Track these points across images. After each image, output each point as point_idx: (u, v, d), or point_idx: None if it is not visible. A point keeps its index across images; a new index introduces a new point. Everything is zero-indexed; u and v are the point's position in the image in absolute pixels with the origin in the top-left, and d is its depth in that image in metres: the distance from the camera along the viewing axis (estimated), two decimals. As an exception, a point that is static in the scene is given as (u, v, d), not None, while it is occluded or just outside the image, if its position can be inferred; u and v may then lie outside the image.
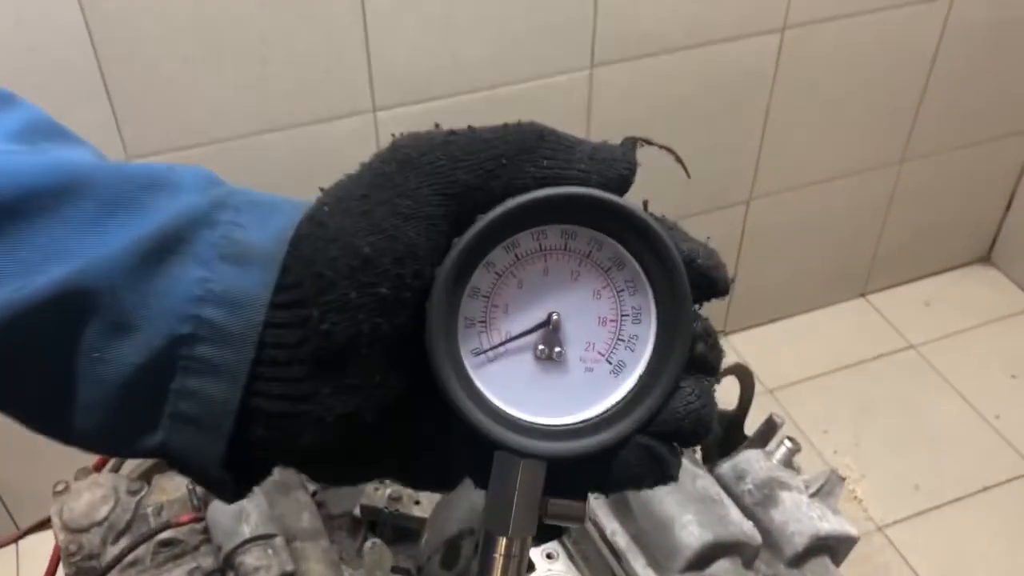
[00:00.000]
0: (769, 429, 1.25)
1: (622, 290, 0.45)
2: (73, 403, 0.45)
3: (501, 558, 0.46)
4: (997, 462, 2.36)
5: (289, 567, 1.14)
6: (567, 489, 0.46)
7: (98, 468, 1.40)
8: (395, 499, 1.26)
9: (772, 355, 2.58)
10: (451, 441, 0.47)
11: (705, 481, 1.09)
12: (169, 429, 0.45)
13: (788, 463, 1.20)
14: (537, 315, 0.45)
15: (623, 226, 0.44)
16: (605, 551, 1.06)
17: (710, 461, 1.24)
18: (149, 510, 1.32)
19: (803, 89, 2.23)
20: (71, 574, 1.31)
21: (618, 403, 0.45)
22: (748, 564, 1.06)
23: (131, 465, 1.42)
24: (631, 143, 0.45)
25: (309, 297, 0.43)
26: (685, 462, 1.11)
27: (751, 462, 1.17)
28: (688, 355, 0.45)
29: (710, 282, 0.46)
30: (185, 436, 0.45)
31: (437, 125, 0.45)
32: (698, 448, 1.29)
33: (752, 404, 1.32)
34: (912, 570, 2.14)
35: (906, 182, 2.58)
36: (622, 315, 0.45)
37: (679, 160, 0.48)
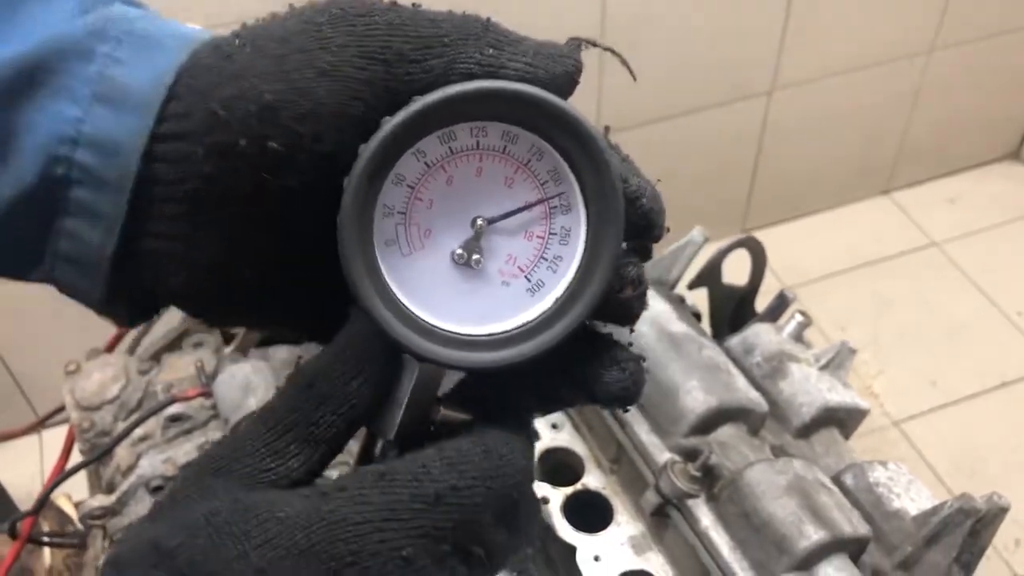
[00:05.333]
0: (780, 304, 1.23)
1: (555, 207, 0.42)
2: None
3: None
4: (1017, 357, 2.34)
5: (296, 438, 1.14)
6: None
7: (109, 349, 1.40)
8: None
9: (792, 253, 2.53)
10: (345, 313, 0.44)
11: (711, 351, 1.07)
12: (53, 265, 0.44)
13: (798, 337, 1.19)
14: (462, 216, 0.42)
15: (569, 135, 0.41)
16: (609, 419, 1.06)
17: (719, 337, 1.23)
18: (159, 388, 1.33)
19: (829, -29, 2.14)
20: (85, 449, 1.33)
21: (528, 323, 0.43)
22: (754, 432, 1.05)
23: (143, 346, 1.43)
24: (576, 43, 0.43)
25: (195, 133, 0.41)
26: (692, 332, 1.09)
27: (760, 335, 1.15)
28: (605, 289, 0.42)
29: (648, 224, 0.44)
30: (68, 273, 0.44)
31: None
32: (707, 321, 1.27)
33: (763, 279, 1.30)
34: (928, 465, 2.14)
35: (934, 73, 2.49)
36: (550, 233, 0.43)
37: (624, 63, 0.46)
